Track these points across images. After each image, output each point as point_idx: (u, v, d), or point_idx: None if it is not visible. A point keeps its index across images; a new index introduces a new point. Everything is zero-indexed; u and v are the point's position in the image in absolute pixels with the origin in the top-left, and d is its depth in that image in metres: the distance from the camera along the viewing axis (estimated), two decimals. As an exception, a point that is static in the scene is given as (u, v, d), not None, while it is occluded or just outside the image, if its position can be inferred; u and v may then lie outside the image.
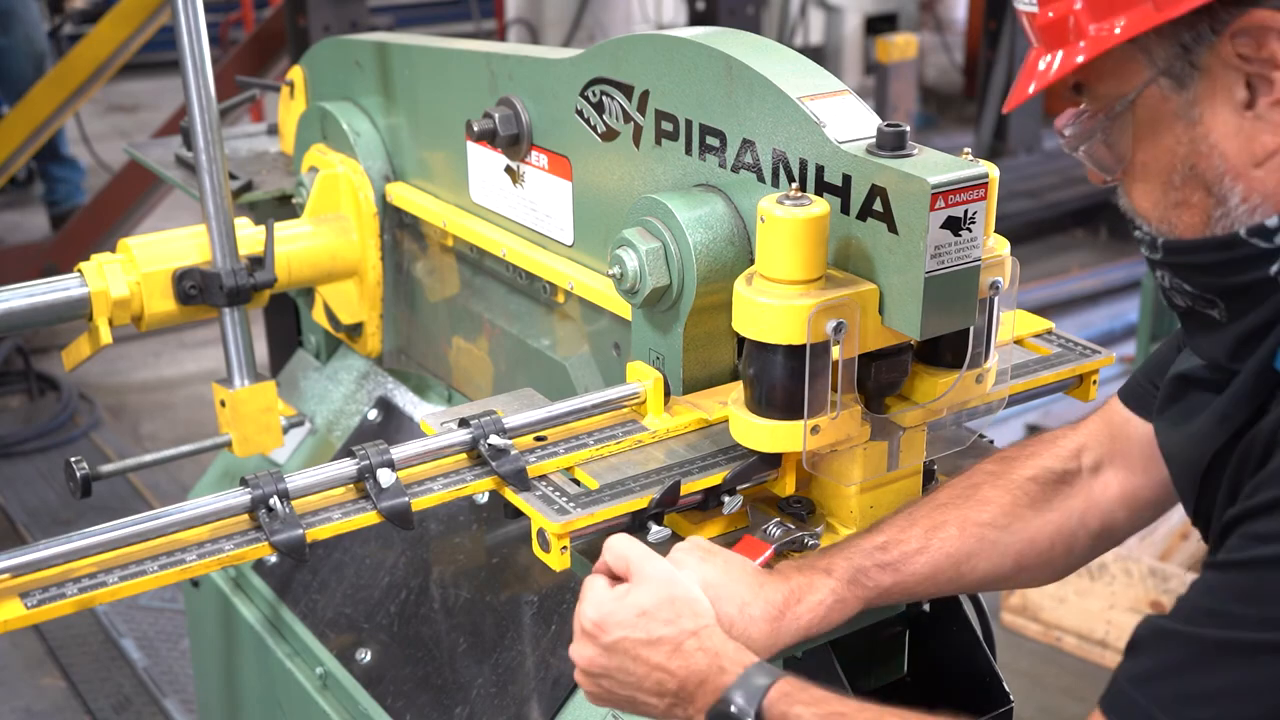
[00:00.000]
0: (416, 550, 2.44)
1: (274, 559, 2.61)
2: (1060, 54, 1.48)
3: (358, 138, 2.61)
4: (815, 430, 1.64)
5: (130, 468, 2.41)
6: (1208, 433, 1.50)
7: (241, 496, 1.69)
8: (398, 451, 1.74)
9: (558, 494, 1.72)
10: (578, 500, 1.70)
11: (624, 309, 2.01)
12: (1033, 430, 5.74)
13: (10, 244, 7.34)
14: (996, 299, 1.71)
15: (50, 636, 4.48)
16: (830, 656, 1.75)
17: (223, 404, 2.46)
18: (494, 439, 1.76)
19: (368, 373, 2.81)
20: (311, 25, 5.24)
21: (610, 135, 2.02)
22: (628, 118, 1.98)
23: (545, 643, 2.12)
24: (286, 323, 3.43)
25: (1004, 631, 4.55)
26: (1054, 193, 8.29)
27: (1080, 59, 1.45)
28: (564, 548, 1.67)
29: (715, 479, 1.75)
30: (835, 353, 1.62)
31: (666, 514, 1.73)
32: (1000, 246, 1.71)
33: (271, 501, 1.68)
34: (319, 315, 2.78)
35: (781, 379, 1.63)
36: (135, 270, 2.36)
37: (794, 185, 1.68)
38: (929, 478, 1.84)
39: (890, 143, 1.60)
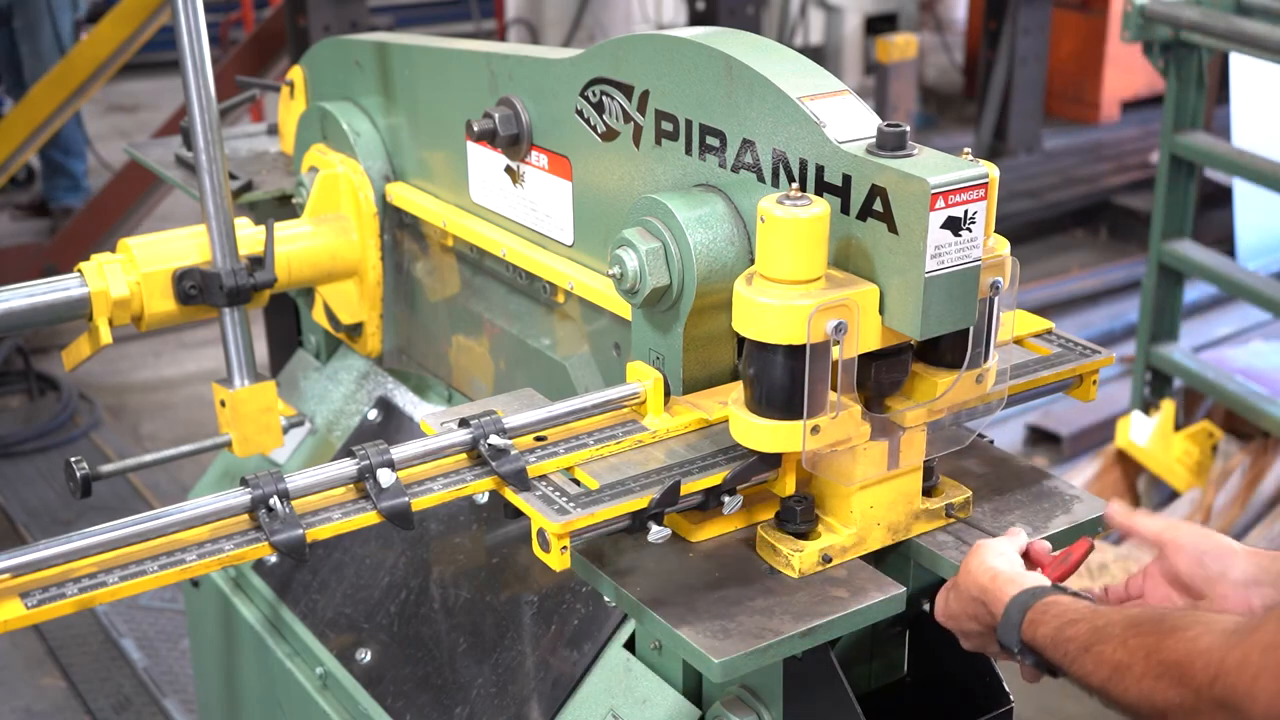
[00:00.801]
0: (416, 550, 2.44)
1: (274, 559, 2.61)
2: None
3: (358, 138, 2.61)
4: (815, 430, 1.64)
5: (130, 468, 2.41)
6: None
7: (241, 496, 1.69)
8: (398, 451, 1.74)
9: (558, 494, 1.72)
10: (578, 500, 1.70)
11: (624, 309, 2.01)
12: (1033, 430, 5.74)
13: (10, 244, 7.34)
14: (996, 299, 1.71)
15: (50, 636, 4.48)
16: (830, 656, 1.75)
17: (223, 404, 2.46)
18: (494, 439, 1.76)
19: (368, 373, 2.81)
20: (311, 25, 5.25)
21: (610, 135, 2.02)
22: (628, 118, 1.98)
23: (545, 643, 2.12)
24: (286, 323, 3.43)
25: (1004, 631, 4.53)
26: (1054, 193, 8.29)
27: None
28: (564, 548, 1.67)
29: (715, 479, 1.75)
30: (835, 353, 1.62)
31: (666, 514, 1.73)
32: (1000, 246, 1.71)
33: (271, 501, 1.68)
34: (319, 315, 2.78)
35: (781, 379, 1.63)
36: (135, 270, 2.37)
37: (794, 185, 1.68)
38: (929, 477, 1.84)
39: (890, 143, 1.60)
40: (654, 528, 1.72)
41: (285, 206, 2.78)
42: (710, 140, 1.85)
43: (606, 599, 1.89)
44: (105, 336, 2.35)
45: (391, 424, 2.68)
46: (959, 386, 1.74)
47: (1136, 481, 5.31)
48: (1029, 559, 1.70)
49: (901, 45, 8.60)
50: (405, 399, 2.70)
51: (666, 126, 1.92)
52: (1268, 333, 6.46)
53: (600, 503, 1.70)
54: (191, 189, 2.64)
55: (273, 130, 3.10)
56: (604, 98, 2.01)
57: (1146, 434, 5.23)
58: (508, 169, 2.27)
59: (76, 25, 7.46)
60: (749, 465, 1.75)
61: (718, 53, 1.81)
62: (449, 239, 2.47)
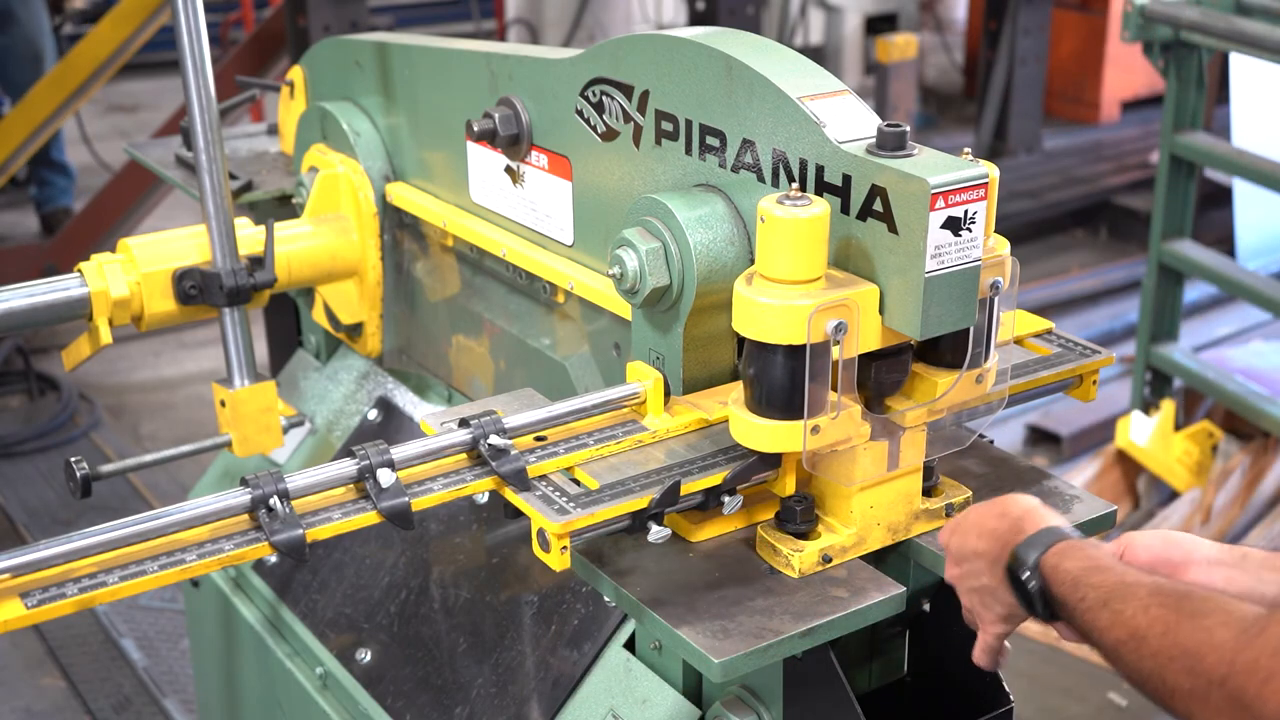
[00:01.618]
0: (416, 550, 2.44)
1: (274, 559, 2.61)
2: None
3: (358, 138, 2.61)
4: (815, 430, 1.64)
5: (130, 468, 2.41)
6: None
7: (241, 496, 1.69)
8: (398, 451, 1.74)
9: (558, 494, 1.72)
10: (578, 500, 1.70)
11: (624, 309, 2.01)
12: (1033, 430, 5.74)
13: (10, 244, 7.34)
14: (996, 299, 1.71)
15: (50, 636, 4.48)
16: (830, 656, 1.75)
17: (223, 404, 2.46)
18: (494, 439, 1.76)
19: (368, 373, 2.81)
20: (311, 25, 5.25)
21: (610, 135, 2.02)
22: (628, 118, 1.98)
23: (545, 643, 2.13)
24: (286, 323, 3.43)
25: (1004, 631, 4.54)
26: (1054, 193, 8.28)
27: None
28: (564, 548, 1.67)
29: (715, 479, 1.75)
30: (835, 353, 1.62)
31: (666, 514, 1.73)
32: (1000, 246, 1.71)
33: (271, 501, 1.68)
34: (319, 315, 2.78)
35: (781, 379, 1.63)
36: (135, 270, 2.37)
37: (794, 185, 1.68)
38: (929, 477, 1.84)
39: (890, 143, 1.60)
40: (654, 528, 1.72)
41: (285, 206, 2.78)
42: (710, 140, 1.85)
43: (606, 599, 1.89)
44: (105, 336, 2.35)
45: (391, 424, 2.68)
46: (959, 387, 1.74)
47: (1136, 481, 5.31)
48: None
49: (901, 45, 8.60)
50: (405, 399, 2.70)
51: (666, 126, 1.92)
52: (1268, 333, 6.46)
53: (600, 503, 1.70)
54: (191, 189, 2.64)
55: (273, 130, 3.10)
56: (604, 98, 2.01)
57: (1146, 434, 5.23)
58: (508, 169, 2.27)
59: (58, 28, 7.47)
60: (749, 465, 1.75)
61: (718, 53, 1.81)
62: (449, 239, 2.47)
